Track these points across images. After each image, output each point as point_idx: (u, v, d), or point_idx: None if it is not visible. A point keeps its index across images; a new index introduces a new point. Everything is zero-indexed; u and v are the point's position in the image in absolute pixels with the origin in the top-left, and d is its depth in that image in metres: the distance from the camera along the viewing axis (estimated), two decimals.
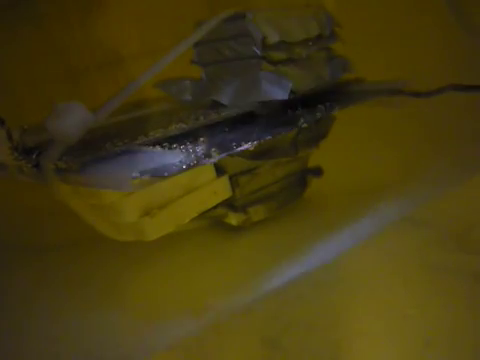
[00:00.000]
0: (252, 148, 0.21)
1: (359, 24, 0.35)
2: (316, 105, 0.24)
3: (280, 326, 0.18)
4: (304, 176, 0.27)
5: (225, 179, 0.23)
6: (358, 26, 0.34)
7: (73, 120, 0.19)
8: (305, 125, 0.23)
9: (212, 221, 0.25)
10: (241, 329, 0.18)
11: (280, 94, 0.23)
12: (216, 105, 0.25)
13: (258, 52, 0.24)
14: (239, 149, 0.20)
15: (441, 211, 0.26)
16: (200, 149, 0.20)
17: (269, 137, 0.21)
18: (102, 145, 0.20)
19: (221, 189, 0.23)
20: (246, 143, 0.21)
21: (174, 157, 0.19)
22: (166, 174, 0.18)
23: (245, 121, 0.24)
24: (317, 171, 0.27)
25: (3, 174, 0.22)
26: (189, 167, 0.18)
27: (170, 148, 0.20)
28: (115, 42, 0.41)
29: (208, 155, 0.19)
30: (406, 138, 0.29)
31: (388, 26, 0.35)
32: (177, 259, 0.23)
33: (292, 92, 0.24)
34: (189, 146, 0.20)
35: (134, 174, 0.18)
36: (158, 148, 0.20)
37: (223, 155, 0.19)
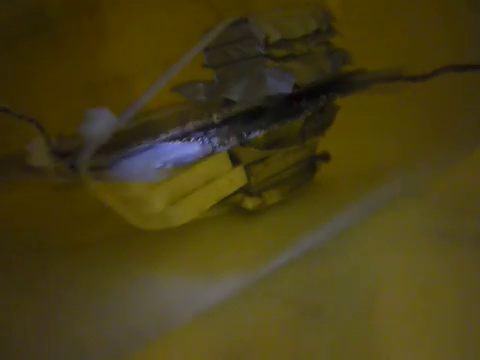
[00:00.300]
0: (262, 137, 0.23)
1: (359, 13, 0.37)
2: (319, 96, 0.27)
3: (299, 287, 0.20)
4: (313, 162, 0.29)
5: (240, 168, 0.26)
6: (359, 15, 0.36)
7: (101, 123, 0.21)
8: (309, 114, 0.25)
9: (230, 207, 0.27)
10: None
11: (285, 88, 0.26)
12: (228, 103, 0.27)
13: (262, 51, 0.27)
14: (250, 137, 0.23)
15: (442, 183, 0.28)
16: (215, 140, 0.22)
17: (277, 126, 0.24)
18: (128, 144, 0.23)
19: (237, 178, 0.26)
20: (255, 132, 0.23)
21: (192, 148, 0.22)
22: (186, 163, 0.20)
23: (254, 115, 0.26)
24: (325, 156, 0.30)
25: (41, 177, 0.24)
26: (206, 156, 0.21)
27: (188, 141, 0.23)
28: (130, 56, 0.44)
29: (222, 143, 0.21)
30: (407, 121, 0.30)
31: (387, 12, 0.37)
32: (199, 243, 0.25)
33: (296, 86, 0.26)
34: (205, 138, 0.23)
35: (157, 165, 0.20)
36: (177, 142, 0.23)
37: (235, 143, 0.22)
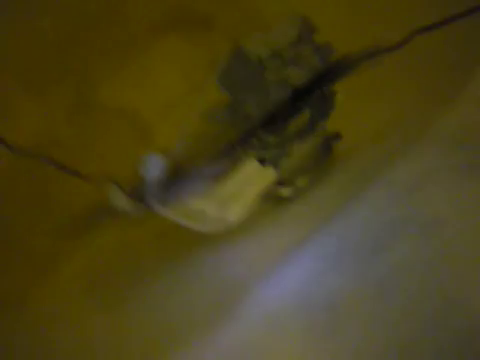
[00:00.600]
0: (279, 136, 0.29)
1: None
2: (316, 89, 0.32)
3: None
4: (328, 143, 0.35)
5: (268, 167, 0.32)
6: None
7: (155, 166, 0.28)
8: (312, 106, 0.31)
9: (270, 199, 0.34)
10: None
11: (283, 92, 0.32)
12: (247, 116, 0.33)
13: (258, 67, 0.33)
14: (269, 139, 0.29)
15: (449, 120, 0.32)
16: (243, 150, 0.29)
17: (288, 125, 0.30)
18: (179, 175, 0.29)
19: (268, 174, 0.32)
20: (273, 134, 0.29)
21: (226, 162, 0.28)
22: (224, 174, 0.27)
23: (269, 120, 0.32)
24: (336, 136, 0.35)
25: (125, 216, 0.32)
26: (238, 164, 0.27)
27: (222, 157, 0.29)
28: (165, 87, 0.49)
29: (249, 150, 0.28)
30: (397, 88, 0.35)
31: None
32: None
33: (294, 86, 0.32)
34: (235, 151, 0.29)
35: (203, 183, 0.27)
36: (214, 160, 0.29)
37: (259, 147, 0.28)
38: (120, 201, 0.29)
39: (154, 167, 0.28)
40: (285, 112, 0.32)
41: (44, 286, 0.38)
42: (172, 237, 0.37)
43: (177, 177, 0.29)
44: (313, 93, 0.32)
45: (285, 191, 0.33)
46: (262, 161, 0.32)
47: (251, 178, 0.31)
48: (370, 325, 0.20)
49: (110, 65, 0.45)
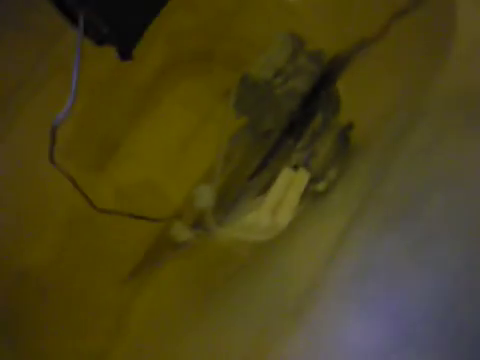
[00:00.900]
0: (301, 143, 0.34)
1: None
2: (320, 92, 0.37)
3: None
4: (344, 134, 0.39)
5: (300, 169, 0.36)
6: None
7: (207, 195, 0.33)
8: (322, 107, 0.35)
9: (310, 197, 0.38)
10: None
11: (293, 102, 0.36)
12: (268, 132, 0.37)
13: (267, 87, 0.37)
14: (295, 147, 0.33)
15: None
16: (275, 162, 0.33)
17: (306, 130, 0.34)
18: (227, 196, 0.34)
19: (302, 176, 0.36)
20: (296, 142, 0.33)
21: (265, 176, 0.32)
22: (266, 187, 0.31)
23: (289, 131, 0.36)
24: (350, 126, 0.39)
25: (188, 247, 0.36)
26: (275, 176, 0.32)
27: (260, 173, 0.33)
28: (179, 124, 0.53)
29: (280, 161, 0.32)
30: (391, 69, 0.39)
31: None
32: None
33: (301, 95, 0.36)
34: (268, 165, 0.33)
35: (250, 199, 0.31)
36: (254, 178, 0.33)
37: (287, 156, 0.32)
38: (185, 234, 0.33)
39: (206, 196, 0.32)
40: (301, 119, 0.37)
41: (120, 342, 0.42)
42: (229, 258, 0.41)
43: (226, 199, 0.33)
44: (320, 95, 0.36)
45: (320, 186, 0.37)
46: (294, 166, 0.36)
47: (290, 183, 0.35)
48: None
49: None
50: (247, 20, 0.45)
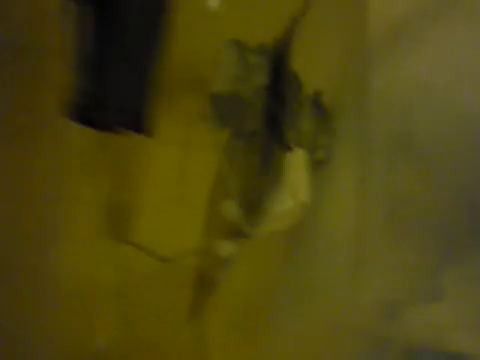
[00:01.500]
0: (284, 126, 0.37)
1: None
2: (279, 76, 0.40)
3: None
4: (318, 103, 0.43)
5: (296, 149, 0.39)
6: None
7: (231, 208, 0.36)
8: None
9: (314, 167, 0.41)
10: None
11: (261, 96, 0.39)
12: (253, 132, 0.41)
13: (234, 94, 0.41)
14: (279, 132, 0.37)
15: None
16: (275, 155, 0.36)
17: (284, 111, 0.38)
18: (248, 199, 0.37)
19: (300, 154, 0.39)
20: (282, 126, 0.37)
21: (273, 170, 0.35)
22: (278, 178, 0.34)
23: (270, 122, 0.40)
24: (317, 94, 0.42)
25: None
26: (280, 165, 0.35)
27: (266, 168, 0.37)
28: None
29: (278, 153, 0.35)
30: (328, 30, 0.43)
31: None
32: None
33: (265, 86, 0.40)
34: (272, 159, 0.37)
35: (268, 192, 0.34)
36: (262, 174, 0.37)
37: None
38: (229, 248, 0.37)
39: (232, 209, 0.36)
40: (275, 108, 0.40)
41: None
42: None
43: (248, 201, 0.36)
44: (281, 80, 0.40)
45: (319, 154, 0.40)
46: (288, 148, 0.39)
47: (293, 164, 0.38)
48: None
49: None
50: (184, 45, 0.48)
